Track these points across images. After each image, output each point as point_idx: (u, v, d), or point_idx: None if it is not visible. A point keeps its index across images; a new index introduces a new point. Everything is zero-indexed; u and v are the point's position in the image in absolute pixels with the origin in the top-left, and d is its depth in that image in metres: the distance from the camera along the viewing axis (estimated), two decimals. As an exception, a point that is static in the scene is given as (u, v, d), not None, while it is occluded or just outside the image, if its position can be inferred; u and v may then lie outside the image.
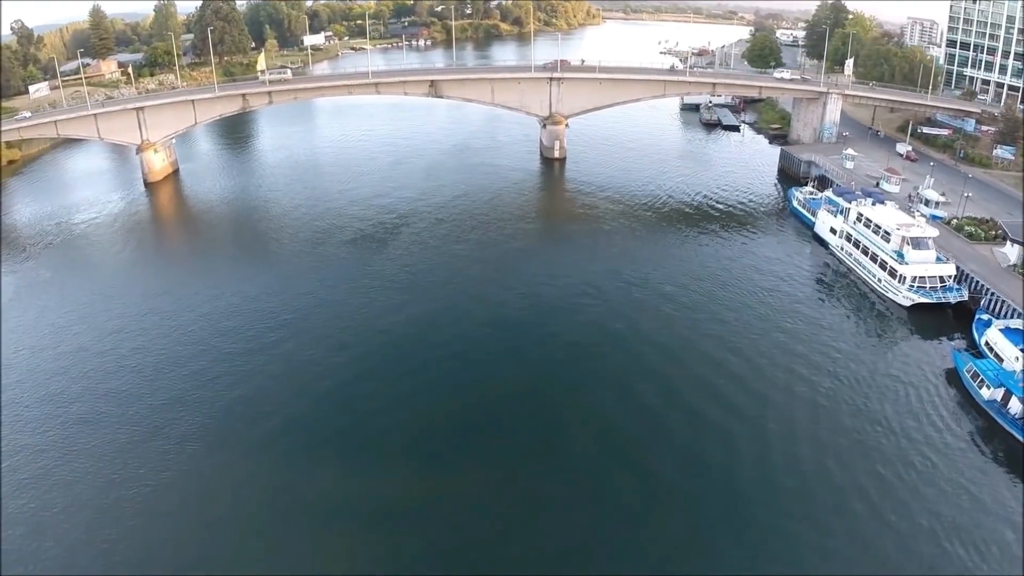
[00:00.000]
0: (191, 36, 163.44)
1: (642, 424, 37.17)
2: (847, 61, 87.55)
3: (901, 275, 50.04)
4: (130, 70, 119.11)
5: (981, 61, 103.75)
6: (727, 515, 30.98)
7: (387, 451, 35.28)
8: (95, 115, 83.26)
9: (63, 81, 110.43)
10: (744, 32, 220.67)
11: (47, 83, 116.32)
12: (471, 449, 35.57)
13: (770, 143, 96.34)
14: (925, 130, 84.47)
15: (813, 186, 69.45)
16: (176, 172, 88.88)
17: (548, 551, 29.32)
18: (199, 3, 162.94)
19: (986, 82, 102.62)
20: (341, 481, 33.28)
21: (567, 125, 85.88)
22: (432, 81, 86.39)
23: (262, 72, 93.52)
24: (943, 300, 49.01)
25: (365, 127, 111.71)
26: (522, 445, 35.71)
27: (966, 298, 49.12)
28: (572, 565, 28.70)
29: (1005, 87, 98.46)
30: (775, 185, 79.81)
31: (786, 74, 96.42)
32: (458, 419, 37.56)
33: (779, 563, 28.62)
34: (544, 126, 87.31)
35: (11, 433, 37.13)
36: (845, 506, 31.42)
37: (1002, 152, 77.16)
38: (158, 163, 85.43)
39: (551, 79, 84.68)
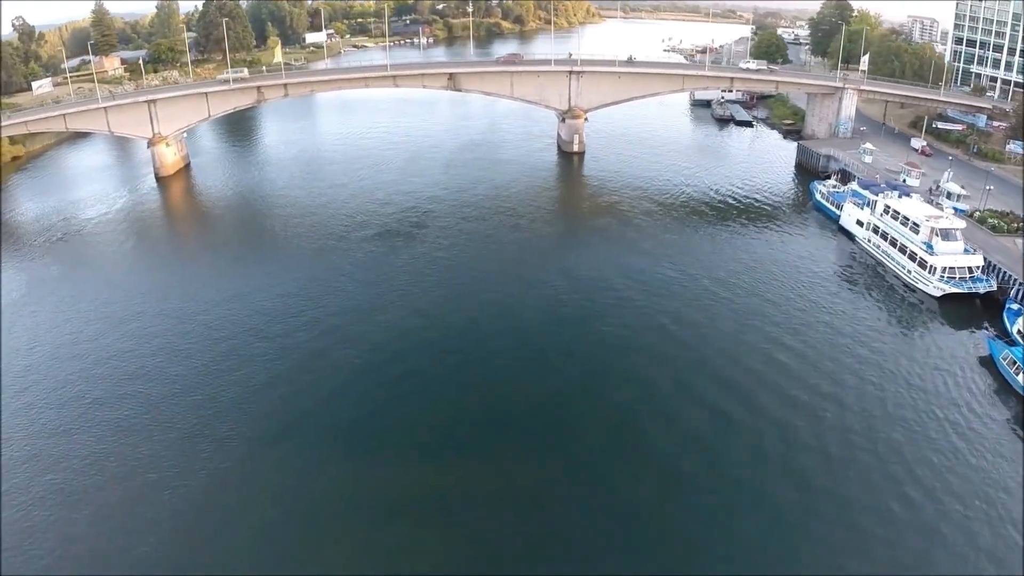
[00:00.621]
0: (192, 34, 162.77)
1: (669, 418, 36.88)
2: (863, 57, 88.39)
3: (931, 266, 50.77)
4: (141, 64, 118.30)
5: (987, 58, 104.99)
6: (758, 513, 30.59)
7: (410, 445, 34.90)
8: (105, 108, 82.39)
9: (65, 78, 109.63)
10: (744, 30, 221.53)
11: (50, 79, 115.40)
12: (490, 445, 35.15)
13: (784, 138, 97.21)
14: (940, 125, 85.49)
15: (836, 179, 70.22)
16: (188, 166, 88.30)
17: (578, 547, 29.00)
18: (200, 1, 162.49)
19: (993, 79, 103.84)
20: (368, 475, 32.98)
21: (586, 119, 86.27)
22: (451, 74, 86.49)
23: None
24: (973, 290, 49.81)
25: (371, 123, 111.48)
26: (547, 441, 35.28)
27: (995, 288, 49.89)
28: (598, 564, 28.35)
29: (1012, 84, 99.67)
30: (793, 179, 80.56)
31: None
32: (485, 414, 37.36)
33: (815, 562, 28.15)
34: (563, 120, 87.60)
35: (37, 431, 36.40)
36: (883, 499, 31.07)
37: (1015, 147, 78.23)
38: (170, 157, 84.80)
39: (571, 72, 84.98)
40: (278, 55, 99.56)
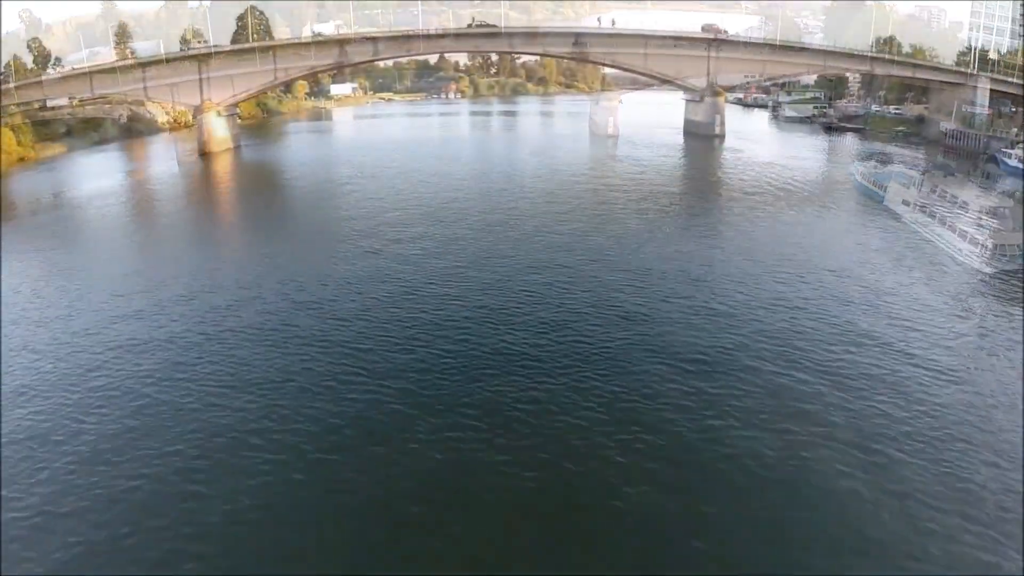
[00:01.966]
0: (198, 27, 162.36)
1: (704, 407, 34.70)
2: (892, 42, 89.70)
3: (983, 244, 51.69)
4: (161, 46, 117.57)
5: (1004, 45, 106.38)
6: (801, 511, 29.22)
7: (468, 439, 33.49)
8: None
9: (74, 70, 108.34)
10: (751, 20, 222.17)
11: (60, 70, 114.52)
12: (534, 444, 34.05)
13: (812, 121, 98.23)
14: (968, 109, 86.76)
15: (877, 160, 71.14)
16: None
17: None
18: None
19: (1010, 65, 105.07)
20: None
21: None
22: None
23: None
24: (1025, 266, 50.80)
25: (412, 109, 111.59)
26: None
27: (1048, 266, 50.92)
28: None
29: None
30: (826, 161, 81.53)
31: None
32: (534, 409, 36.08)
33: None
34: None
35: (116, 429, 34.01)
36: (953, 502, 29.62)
37: (1041, 130, 79.54)
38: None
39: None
40: (309, 29, 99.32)
